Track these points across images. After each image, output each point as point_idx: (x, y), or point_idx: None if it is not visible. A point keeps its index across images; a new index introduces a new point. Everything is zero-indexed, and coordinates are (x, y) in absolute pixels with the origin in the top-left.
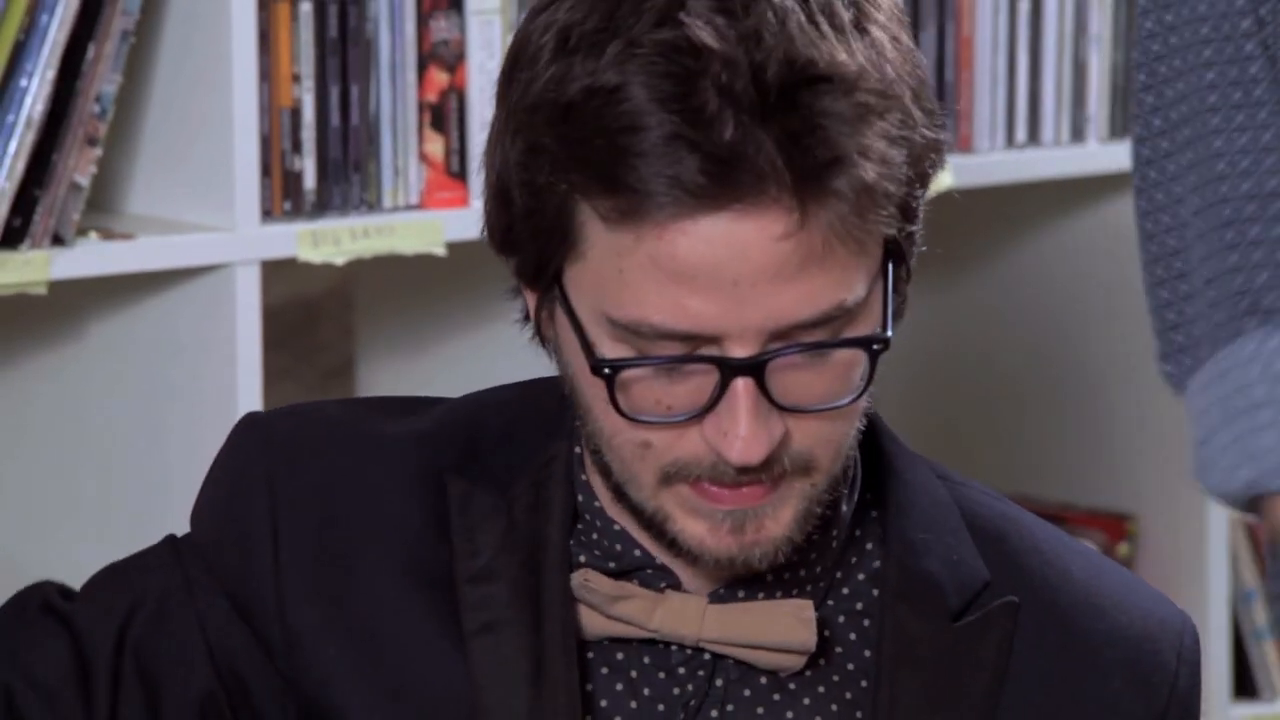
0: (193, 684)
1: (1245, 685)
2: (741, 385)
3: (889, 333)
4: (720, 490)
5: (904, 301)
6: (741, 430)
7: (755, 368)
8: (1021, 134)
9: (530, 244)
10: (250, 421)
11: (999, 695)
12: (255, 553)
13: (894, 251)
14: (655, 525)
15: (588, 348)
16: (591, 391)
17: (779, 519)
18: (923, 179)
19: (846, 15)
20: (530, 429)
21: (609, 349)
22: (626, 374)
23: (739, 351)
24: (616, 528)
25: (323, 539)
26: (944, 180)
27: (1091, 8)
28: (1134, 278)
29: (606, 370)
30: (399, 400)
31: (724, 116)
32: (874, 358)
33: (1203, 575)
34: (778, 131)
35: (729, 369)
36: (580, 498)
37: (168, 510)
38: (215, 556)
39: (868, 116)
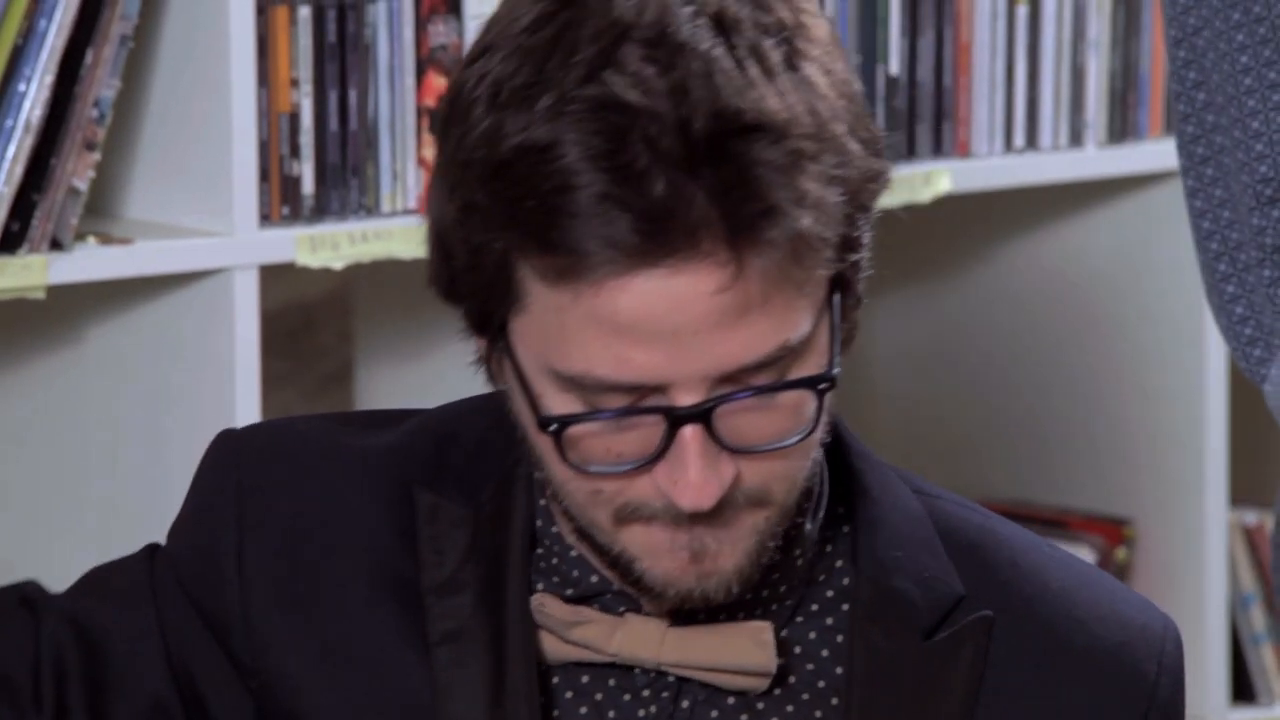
0: (146, 687)
1: (1243, 690)
2: (689, 433)
3: (835, 369)
4: (675, 530)
5: (854, 328)
6: (691, 477)
7: (702, 414)
8: (1020, 139)
9: (473, 297)
10: (223, 438)
11: (973, 712)
12: (221, 567)
13: (838, 283)
14: (621, 565)
15: (533, 403)
16: (541, 443)
17: (734, 551)
18: (864, 209)
19: (776, 55)
20: (498, 439)
21: (556, 400)
22: (574, 428)
23: (685, 399)
24: (574, 554)
25: (289, 553)
26: (942, 184)
27: (1090, 13)
28: (1132, 282)
29: (553, 426)
30: (371, 414)
31: (654, 173)
32: (821, 396)
33: (1200, 580)
34: (708, 185)
35: (676, 418)
36: (539, 522)
37: (166, 515)
38: (185, 569)
39: (800, 162)
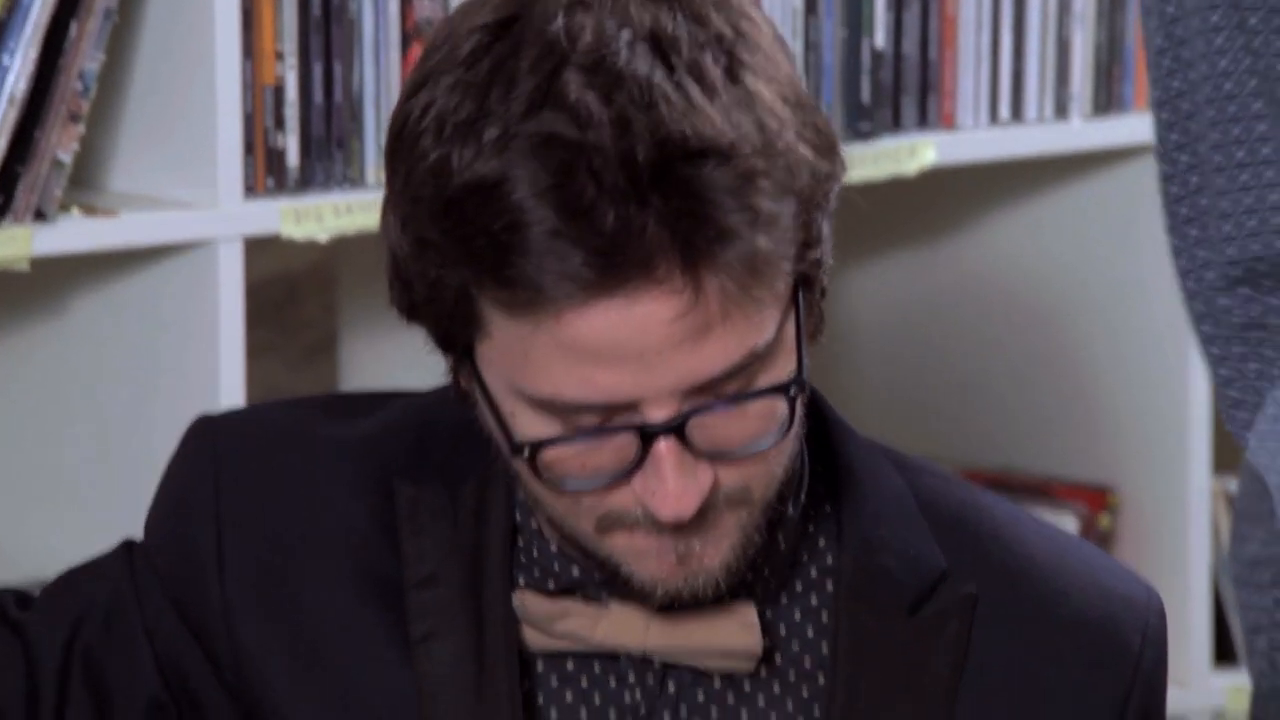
0: (140, 694)
1: (1225, 652)
2: (664, 446)
3: (805, 370)
4: (659, 536)
5: (821, 319)
6: (670, 489)
7: (675, 427)
8: (1005, 111)
9: (436, 324)
10: (198, 429)
11: (958, 687)
12: (200, 566)
13: (800, 280)
14: (609, 568)
15: (504, 425)
16: (516, 463)
17: (719, 550)
18: (820, 207)
19: (717, 71)
20: (477, 429)
21: (527, 419)
22: (549, 450)
23: (657, 414)
24: (554, 549)
25: (269, 549)
26: (928, 156)
27: None
28: (1117, 253)
29: (527, 451)
30: (351, 398)
31: (602, 206)
32: (793, 400)
33: (1184, 546)
34: (658, 214)
35: (649, 433)
36: (518, 516)
37: (150, 487)
38: (164, 567)
39: (751, 181)
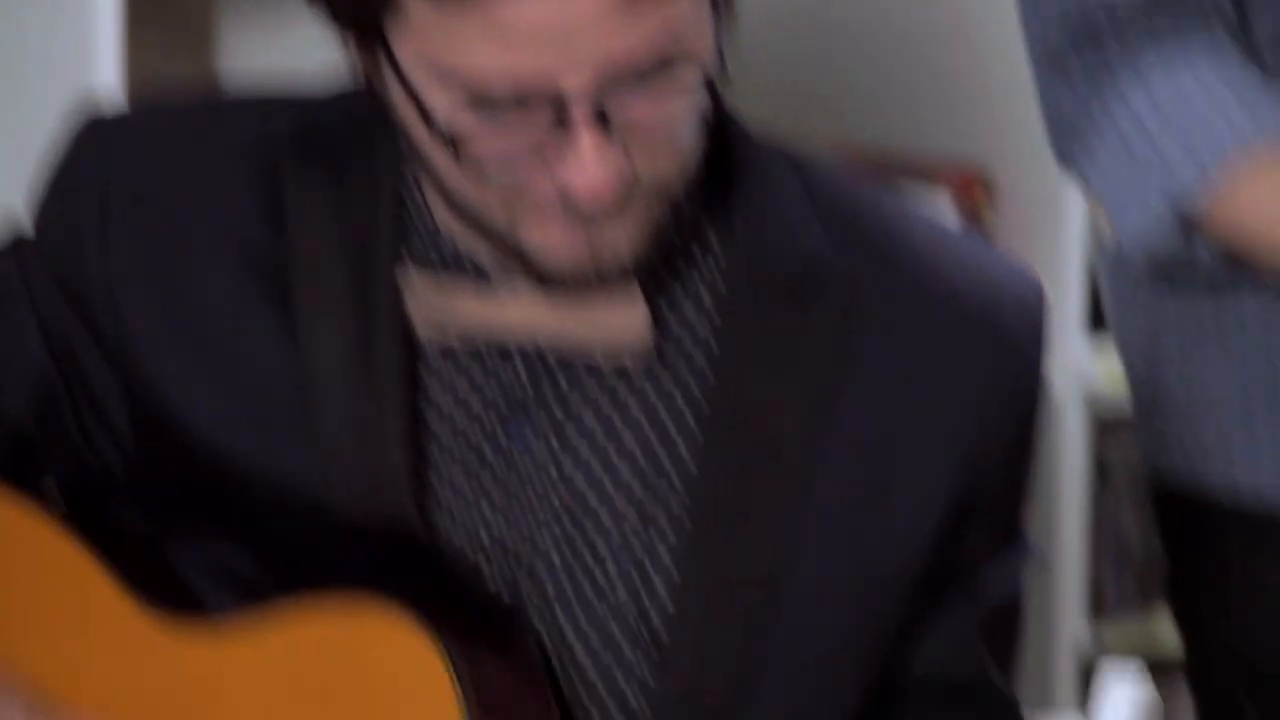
0: (27, 372)
1: (1101, 319)
2: (585, 128)
3: (724, 59)
4: (573, 222)
5: (733, 8)
6: (589, 172)
7: (595, 107)
8: None
9: (346, 6)
10: (87, 123)
11: (844, 378)
12: (87, 252)
13: None
14: (517, 256)
15: (422, 109)
16: (430, 149)
17: (630, 238)
18: None
19: None
20: (364, 118)
21: (444, 104)
22: (468, 131)
23: (579, 96)
24: (445, 232)
25: (156, 236)
26: None
27: None
28: None
29: (446, 131)
30: (237, 99)
31: None
32: (711, 87)
33: (1061, 228)
34: None
35: (570, 115)
36: (408, 205)
37: (27, 178)
38: (52, 254)
39: None
